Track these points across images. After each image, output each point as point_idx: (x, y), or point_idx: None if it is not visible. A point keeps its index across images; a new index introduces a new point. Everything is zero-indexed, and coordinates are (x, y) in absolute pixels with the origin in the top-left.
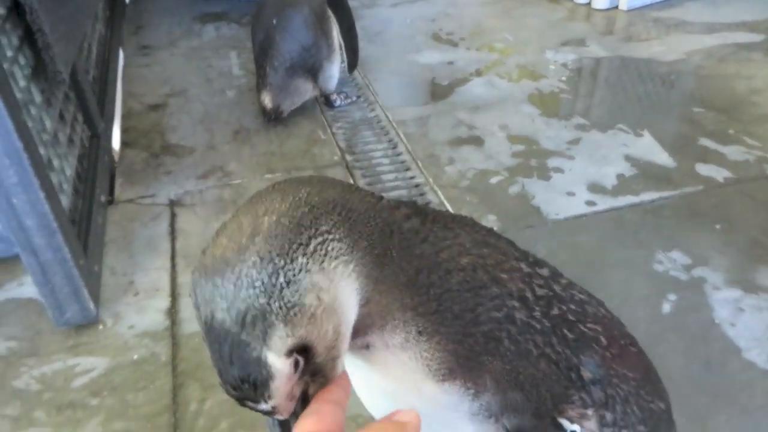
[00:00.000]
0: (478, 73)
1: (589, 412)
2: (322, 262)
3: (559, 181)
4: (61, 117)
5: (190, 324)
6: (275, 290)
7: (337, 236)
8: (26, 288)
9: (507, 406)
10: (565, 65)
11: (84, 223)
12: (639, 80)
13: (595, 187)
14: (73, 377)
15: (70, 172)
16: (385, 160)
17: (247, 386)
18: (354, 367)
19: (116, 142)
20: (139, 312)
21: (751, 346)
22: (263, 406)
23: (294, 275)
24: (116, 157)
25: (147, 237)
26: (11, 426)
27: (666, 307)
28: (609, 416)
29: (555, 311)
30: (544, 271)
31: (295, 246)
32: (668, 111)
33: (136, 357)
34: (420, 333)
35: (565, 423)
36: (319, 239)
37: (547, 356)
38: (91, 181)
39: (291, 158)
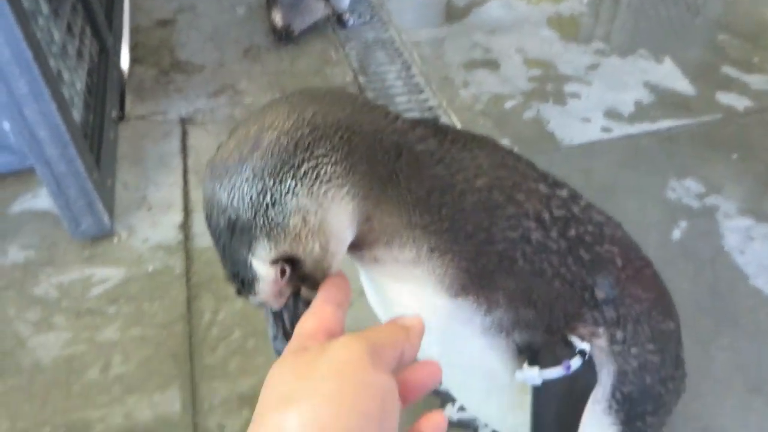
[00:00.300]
0: None
1: (600, 330)
2: (312, 185)
3: (575, 106)
4: (69, 29)
5: (203, 238)
6: (261, 208)
7: (333, 159)
8: (41, 200)
9: (519, 322)
10: None
11: (96, 138)
12: (662, 5)
13: (612, 114)
14: (90, 286)
15: (80, 85)
16: (399, 82)
17: (237, 281)
18: (367, 279)
19: (125, 57)
20: (153, 226)
21: (759, 273)
22: (253, 300)
23: (281, 196)
24: (125, 73)
25: (159, 153)
26: (32, 329)
27: (677, 234)
28: (620, 334)
29: (572, 232)
30: (563, 192)
31: (287, 168)
32: (692, 37)
33: (150, 269)
34: (432, 250)
35: (575, 340)
36: (312, 162)
37: (562, 276)
38: (102, 96)
39: (302, 78)
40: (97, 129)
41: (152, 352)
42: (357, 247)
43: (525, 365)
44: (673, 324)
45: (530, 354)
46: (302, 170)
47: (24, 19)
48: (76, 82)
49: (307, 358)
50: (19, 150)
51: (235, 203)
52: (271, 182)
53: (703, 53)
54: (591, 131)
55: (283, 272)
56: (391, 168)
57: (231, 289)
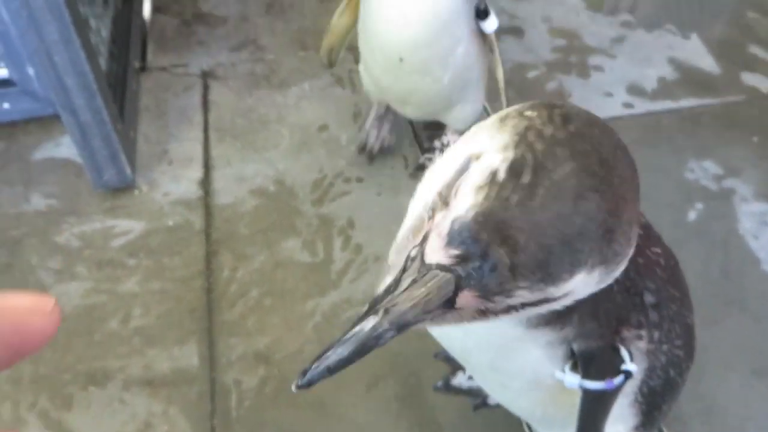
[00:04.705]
0: None
1: (643, 332)
2: None
3: (598, 79)
4: None
5: (223, 195)
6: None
7: None
8: (63, 149)
9: (582, 334)
10: None
11: (119, 88)
12: None
13: (634, 89)
14: (111, 237)
15: (105, 33)
16: None
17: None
18: None
19: (147, 6)
20: (174, 180)
21: None
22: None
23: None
24: (147, 23)
25: (180, 107)
26: (55, 278)
27: (692, 215)
28: (656, 335)
29: None
30: None
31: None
32: (719, 13)
33: (171, 223)
34: None
35: (623, 352)
36: None
37: (623, 285)
38: (125, 45)
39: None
40: (121, 79)
41: (171, 306)
42: None
43: (567, 369)
44: (693, 316)
45: (581, 359)
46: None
47: None
48: (101, 30)
49: None
50: (43, 97)
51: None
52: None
53: (731, 31)
54: (613, 106)
55: None
56: None
57: (250, 249)
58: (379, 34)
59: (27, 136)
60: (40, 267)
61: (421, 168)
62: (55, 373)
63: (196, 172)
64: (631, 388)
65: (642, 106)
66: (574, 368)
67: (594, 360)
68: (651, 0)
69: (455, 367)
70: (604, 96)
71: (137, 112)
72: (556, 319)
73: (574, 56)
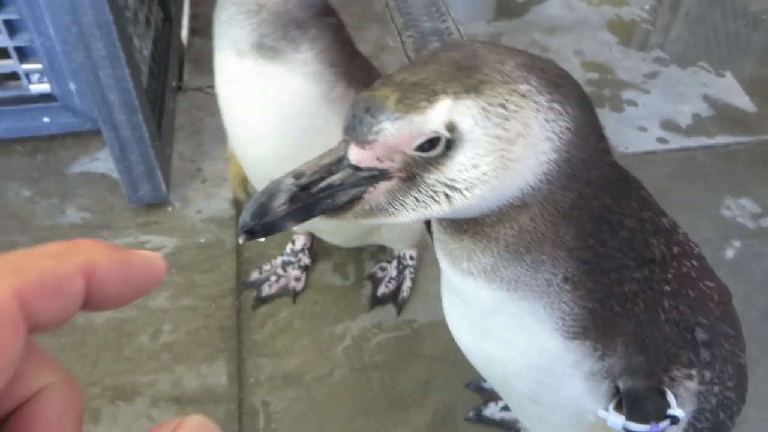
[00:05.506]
0: None
1: (693, 372)
2: (539, 96)
3: (631, 114)
4: None
5: None
6: (509, 77)
7: (566, 110)
8: (99, 163)
9: (627, 369)
10: None
11: (158, 106)
12: (721, 17)
13: (669, 125)
14: None
15: (146, 53)
16: None
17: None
18: (456, 301)
19: (185, 28)
20: (207, 198)
21: None
22: (367, 131)
23: (526, 93)
24: (185, 44)
25: (215, 127)
26: None
27: (729, 253)
28: (708, 375)
29: (684, 269)
30: (672, 224)
31: (546, 81)
32: (753, 52)
33: (203, 240)
34: (566, 280)
35: (670, 398)
36: (553, 96)
37: (672, 319)
38: (164, 64)
39: None
40: (159, 97)
41: (201, 324)
42: (470, 231)
43: (611, 408)
44: (746, 357)
45: (627, 400)
46: (553, 96)
47: None
48: (143, 49)
49: None
50: (82, 112)
51: (493, 59)
52: (535, 77)
53: (765, 69)
54: (647, 141)
55: (434, 141)
56: (583, 170)
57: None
58: (243, 158)
59: (64, 150)
60: None
61: None
62: (83, 386)
63: (229, 192)
64: (676, 430)
65: (677, 141)
66: (618, 408)
67: (639, 401)
68: (681, 37)
69: (487, 397)
70: (638, 131)
71: (173, 130)
72: (595, 334)
73: (608, 90)
